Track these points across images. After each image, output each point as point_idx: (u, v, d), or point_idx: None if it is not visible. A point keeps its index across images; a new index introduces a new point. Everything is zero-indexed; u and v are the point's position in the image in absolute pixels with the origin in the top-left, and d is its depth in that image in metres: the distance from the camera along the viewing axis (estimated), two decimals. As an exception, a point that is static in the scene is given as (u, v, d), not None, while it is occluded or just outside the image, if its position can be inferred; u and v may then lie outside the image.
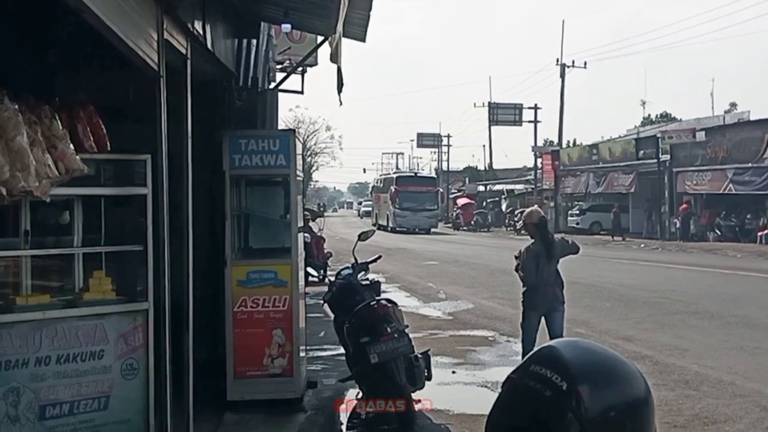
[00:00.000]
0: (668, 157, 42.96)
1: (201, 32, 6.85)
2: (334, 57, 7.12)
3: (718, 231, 40.10)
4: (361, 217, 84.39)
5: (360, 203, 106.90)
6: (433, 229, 70.23)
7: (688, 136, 46.01)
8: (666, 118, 66.95)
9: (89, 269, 5.96)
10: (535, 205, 12.26)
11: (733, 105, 63.76)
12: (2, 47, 6.21)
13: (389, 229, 57.17)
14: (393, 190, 57.95)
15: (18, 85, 5.17)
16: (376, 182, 74.62)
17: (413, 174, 67.06)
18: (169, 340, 5.45)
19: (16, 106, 4.91)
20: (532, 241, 9.61)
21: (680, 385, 9.23)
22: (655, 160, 43.09)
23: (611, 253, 33.89)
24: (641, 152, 44.88)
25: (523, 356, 10.26)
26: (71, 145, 5.35)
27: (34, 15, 6.16)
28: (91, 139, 5.77)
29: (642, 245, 38.41)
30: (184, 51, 6.01)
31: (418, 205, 57.23)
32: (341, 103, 8.18)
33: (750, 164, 37.52)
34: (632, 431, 1.93)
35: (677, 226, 41.52)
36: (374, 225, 56.90)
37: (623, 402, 1.94)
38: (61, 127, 5.31)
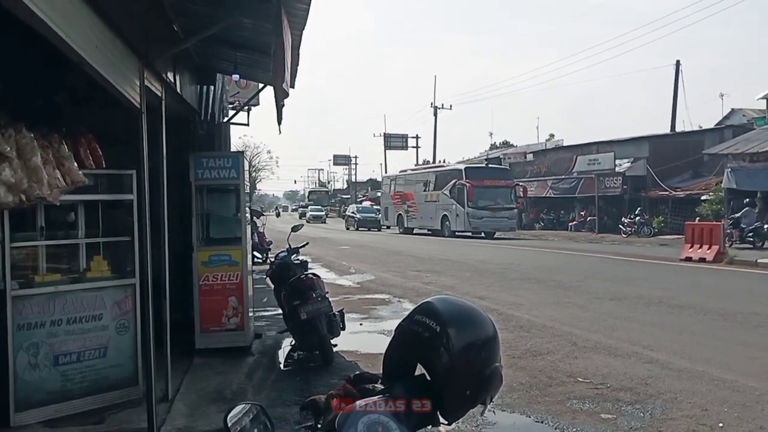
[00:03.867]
0: (508, 171, 43.86)
1: (172, 80, 6.72)
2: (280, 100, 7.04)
3: (541, 222, 41.30)
4: (308, 221, 58.55)
5: (305, 207, 76.80)
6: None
7: (522, 157, 47.48)
8: (506, 144, 68.15)
9: (90, 255, 5.86)
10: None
11: (552, 135, 65.26)
12: (22, 91, 6.03)
13: (446, 234, 35.47)
14: (467, 185, 34.04)
15: (34, 118, 5.02)
16: (394, 180, 44.54)
17: (485, 165, 39.89)
18: (151, 305, 5.33)
19: (32, 135, 4.79)
20: None
21: (517, 329, 9.40)
22: (500, 174, 43.66)
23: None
24: (490, 168, 45.51)
25: None
26: (75, 163, 5.25)
27: (47, 66, 5.96)
28: (91, 158, 5.65)
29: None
30: (159, 94, 5.89)
31: (495, 203, 34.52)
32: (280, 132, 8.12)
33: (563, 176, 38.73)
34: (485, 359, 1.98)
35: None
36: (399, 230, 41.08)
37: (478, 339, 1.99)
38: (67, 150, 5.20)
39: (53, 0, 3.30)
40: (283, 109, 7.09)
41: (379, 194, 71.73)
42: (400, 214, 41.76)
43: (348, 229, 47.39)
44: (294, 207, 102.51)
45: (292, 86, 8.62)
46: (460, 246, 27.71)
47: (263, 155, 72.58)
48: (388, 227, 44.66)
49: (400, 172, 47.74)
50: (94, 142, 5.76)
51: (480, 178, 35.05)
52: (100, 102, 6.31)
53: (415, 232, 39.96)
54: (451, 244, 29.43)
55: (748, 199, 26.29)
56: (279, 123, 7.70)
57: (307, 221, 58.55)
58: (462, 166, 37.99)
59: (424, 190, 39.01)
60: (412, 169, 46.80)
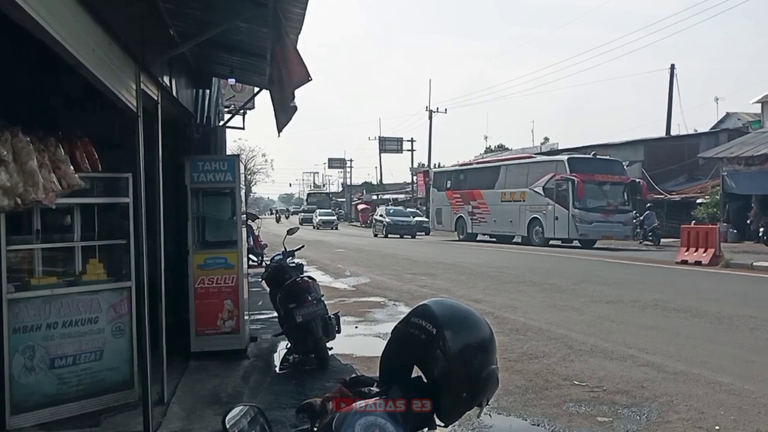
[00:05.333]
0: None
1: (168, 84, 6.73)
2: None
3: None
4: (317, 228, 54.08)
5: (309, 211, 66.98)
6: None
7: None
8: (501, 147, 68.11)
9: (86, 258, 5.85)
10: None
11: (546, 138, 65.28)
12: (19, 94, 6.03)
13: (535, 241, 29.07)
14: (574, 180, 26.75)
15: (31, 122, 5.03)
16: (452, 174, 37.29)
17: (592, 155, 29.99)
18: (147, 308, 5.34)
19: (28, 138, 4.81)
20: None
21: (513, 332, 9.41)
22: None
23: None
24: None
25: None
26: (71, 167, 5.25)
27: (43, 70, 5.97)
28: (87, 162, 5.66)
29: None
30: (155, 98, 5.90)
31: (608, 203, 27.70)
32: (279, 135, 8.13)
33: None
34: (481, 362, 1.98)
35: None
36: (459, 236, 34.56)
37: (475, 342, 1.99)
38: (63, 153, 5.21)
39: (51, 4, 3.32)
40: (281, 113, 7.09)
41: (374, 197, 71.81)
42: (460, 216, 34.53)
43: (376, 235, 40.90)
44: (294, 210, 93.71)
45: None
46: (456, 249, 27.72)
47: (258, 158, 72.02)
48: (426, 233, 39.77)
49: (460, 165, 39.33)
50: (90, 146, 5.78)
51: (589, 172, 27.48)
52: (97, 105, 6.33)
53: (478, 239, 33.61)
54: (446, 246, 29.45)
55: (650, 204, 30.28)
56: (280, 129, 7.73)
57: (315, 227, 53.61)
58: (564, 157, 29.54)
59: (500, 188, 31.54)
60: (479, 162, 38.31)
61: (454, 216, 35.36)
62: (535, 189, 29.07)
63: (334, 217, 60.06)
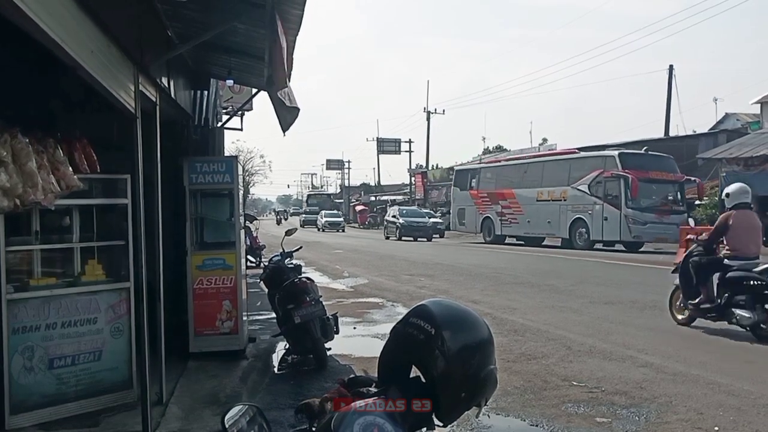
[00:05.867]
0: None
1: (166, 85, 6.75)
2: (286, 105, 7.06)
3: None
4: (322, 230, 52.45)
5: (314, 213, 63.87)
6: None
7: (516, 161, 46.87)
8: (499, 148, 67.99)
9: (85, 258, 5.87)
10: None
11: (545, 139, 65.14)
12: (18, 96, 6.04)
13: (579, 244, 26.63)
14: (627, 178, 24.44)
15: (29, 123, 5.05)
16: (477, 172, 34.91)
17: (644, 151, 27.18)
18: (146, 309, 5.35)
19: (27, 140, 4.82)
20: None
21: (511, 333, 9.41)
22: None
23: (461, 242, 34.37)
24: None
25: None
26: (70, 168, 5.27)
27: (42, 72, 5.98)
28: (85, 163, 5.67)
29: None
30: (154, 99, 5.91)
31: (662, 203, 25.52)
32: (284, 134, 8.15)
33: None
34: (480, 362, 1.99)
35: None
36: (486, 238, 32.34)
37: (473, 342, 2.00)
38: (62, 155, 5.22)
39: (49, 6, 3.34)
40: (284, 113, 7.10)
41: (372, 198, 71.67)
42: (487, 217, 32.17)
43: (388, 238, 38.70)
44: (294, 211, 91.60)
45: (286, 90, 8.69)
46: (454, 250, 27.71)
47: (256, 160, 71.64)
48: (440, 235, 38.16)
49: (487, 162, 37.09)
50: (89, 147, 5.79)
51: (643, 169, 25.02)
52: (95, 107, 6.33)
53: (506, 241, 31.41)
54: (453, 248, 29.42)
55: None
56: (285, 129, 7.74)
57: (320, 229, 52.16)
58: (614, 152, 26.81)
59: (536, 186, 29.14)
60: (509, 158, 36.13)
61: (479, 216, 33.03)
62: (580, 187, 26.86)
63: (341, 219, 57.82)
